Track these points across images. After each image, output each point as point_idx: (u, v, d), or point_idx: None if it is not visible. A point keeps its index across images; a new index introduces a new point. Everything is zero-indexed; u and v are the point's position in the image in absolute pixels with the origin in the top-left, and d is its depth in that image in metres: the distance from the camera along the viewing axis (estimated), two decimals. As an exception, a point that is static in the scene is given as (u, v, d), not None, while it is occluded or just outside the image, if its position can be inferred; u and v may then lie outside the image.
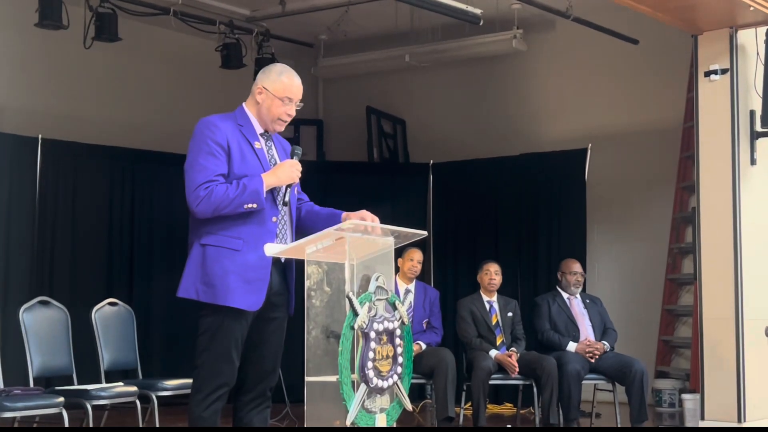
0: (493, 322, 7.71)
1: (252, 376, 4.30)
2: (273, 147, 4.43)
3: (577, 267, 7.98)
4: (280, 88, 4.35)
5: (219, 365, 4.16)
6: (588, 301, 7.99)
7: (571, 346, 7.58)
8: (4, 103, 8.59)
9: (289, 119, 4.40)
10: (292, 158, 4.36)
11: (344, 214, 4.24)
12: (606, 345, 7.62)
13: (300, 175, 4.29)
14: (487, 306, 7.78)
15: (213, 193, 4.14)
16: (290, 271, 4.34)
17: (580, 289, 7.97)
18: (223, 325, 4.17)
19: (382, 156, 10.88)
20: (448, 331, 8.16)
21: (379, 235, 4.15)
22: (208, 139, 4.21)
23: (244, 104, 4.45)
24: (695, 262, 7.63)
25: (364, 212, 4.19)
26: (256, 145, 4.33)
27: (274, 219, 4.27)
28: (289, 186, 4.28)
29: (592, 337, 7.70)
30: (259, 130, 4.40)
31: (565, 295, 7.91)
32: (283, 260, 4.28)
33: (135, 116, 9.67)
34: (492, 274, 7.81)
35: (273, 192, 4.27)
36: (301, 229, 4.41)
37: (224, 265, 4.16)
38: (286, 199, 4.28)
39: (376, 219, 4.17)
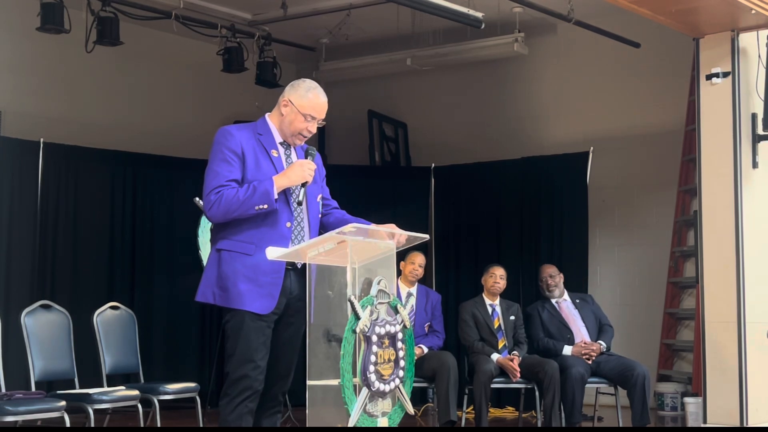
0: (495, 326, 7.70)
1: (265, 379, 4.31)
2: (293, 155, 4.48)
3: (548, 270, 7.95)
4: (305, 104, 4.40)
5: (242, 369, 4.21)
6: (578, 300, 7.95)
7: (567, 350, 7.57)
8: (6, 107, 8.60)
9: (309, 135, 4.47)
10: (306, 158, 4.39)
11: (372, 225, 4.26)
12: (602, 345, 7.59)
13: (312, 174, 4.32)
14: (490, 309, 7.77)
15: (223, 196, 4.22)
16: (312, 278, 4.35)
17: (559, 290, 7.91)
18: (242, 328, 4.22)
19: (384, 159, 10.89)
20: (450, 334, 8.15)
21: (383, 239, 4.16)
22: (222, 147, 4.31)
23: (267, 115, 4.51)
24: (697, 265, 7.62)
25: (392, 225, 4.24)
26: (273, 153, 4.39)
27: (288, 224, 4.30)
28: (303, 185, 4.30)
29: (587, 338, 7.68)
30: (278, 139, 4.45)
31: (553, 300, 7.89)
32: (299, 266, 4.31)
33: (136, 120, 9.67)
34: (497, 277, 7.80)
35: (288, 198, 4.30)
36: None
37: (236, 269, 4.23)
38: (300, 198, 4.29)
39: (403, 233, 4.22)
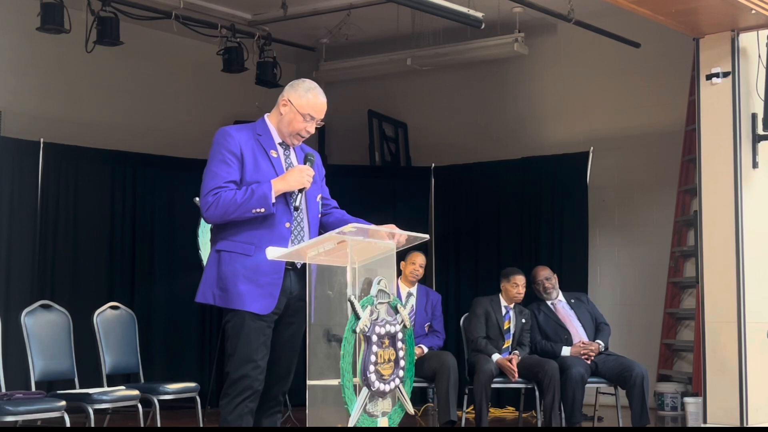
0: (505, 327, 7.68)
1: (265, 379, 4.31)
2: (292, 155, 4.48)
3: (544, 273, 7.91)
4: (304, 104, 4.40)
5: (242, 369, 4.22)
6: (573, 300, 7.91)
7: (566, 351, 7.55)
8: (6, 107, 8.59)
9: (307, 135, 4.47)
10: (304, 164, 4.39)
11: (372, 225, 4.25)
12: (600, 345, 7.57)
13: (311, 180, 4.33)
14: (504, 311, 7.72)
15: (221, 198, 4.22)
16: (312, 278, 4.34)
17: (556, 292, 7.89)
18: (243, 328, 4.23)
19: (384, 159, 10.89)
20: (450, 334, 8.15)
21: (383, 239, 4.16)
22: (221, 148, 4.31)
23: (266, 115, 4.51)
24: (697, 265, 7.62)
25: (392, 226, 4.24)
26: (272, 153, 4.39)
27: (287, 225, 4.31)
28: (301, 191, 4.30)
29: (584, 338, 7.65)
30: (277, 139, 4.46)
31: (549, 302, 7.86)
32: (299, 266, 4.31)
33: (136, 120, 9.67)
34: (520, 287, 7.74)
35: (287, 197, 4.31)
36: None
37: (236, 270, 4.24)
38: (297, 203, 4.30)
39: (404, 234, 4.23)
